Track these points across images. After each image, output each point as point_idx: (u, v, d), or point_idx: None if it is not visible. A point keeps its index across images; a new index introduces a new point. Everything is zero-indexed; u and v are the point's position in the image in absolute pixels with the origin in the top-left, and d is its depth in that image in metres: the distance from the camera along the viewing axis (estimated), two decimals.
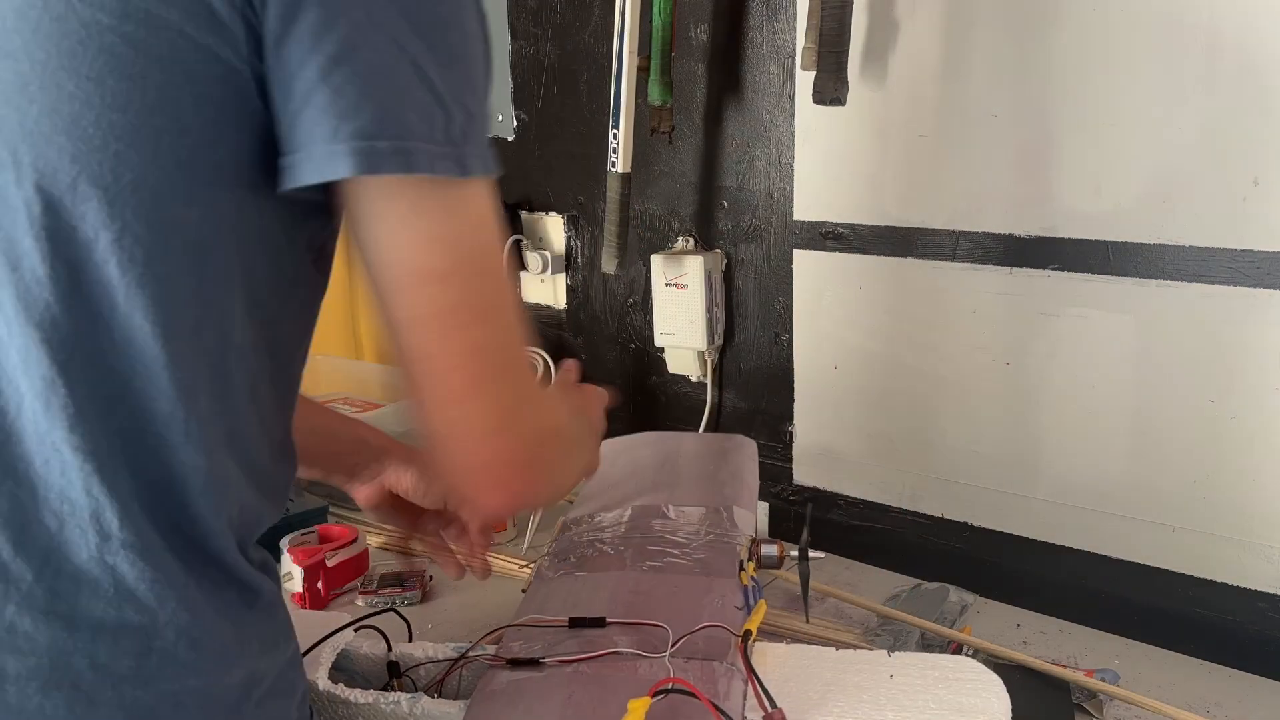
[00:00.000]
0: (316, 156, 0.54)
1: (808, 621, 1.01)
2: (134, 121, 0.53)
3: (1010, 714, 0.72)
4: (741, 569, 0.90)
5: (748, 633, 0.77)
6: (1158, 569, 1.10)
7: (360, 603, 1.17)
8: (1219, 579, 1.06)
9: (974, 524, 1.22)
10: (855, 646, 0.95)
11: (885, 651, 0.78)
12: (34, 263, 0.53)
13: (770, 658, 0.78)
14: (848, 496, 1.31)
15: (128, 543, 0.55)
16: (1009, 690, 0.95)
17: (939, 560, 1.24)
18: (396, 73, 0.55)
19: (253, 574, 0.61)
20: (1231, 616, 1.06)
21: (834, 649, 0.80)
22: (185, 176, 0.54)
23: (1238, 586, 1.05)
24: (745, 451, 1.15)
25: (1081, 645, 1.09)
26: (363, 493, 0.94)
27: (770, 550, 0.95)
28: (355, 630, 0.89)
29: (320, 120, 0.54)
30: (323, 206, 0.59)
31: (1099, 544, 1.13)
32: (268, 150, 0.56)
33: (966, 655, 0.98)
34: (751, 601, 0.85)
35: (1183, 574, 1.08)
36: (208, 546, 0.58)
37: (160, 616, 0.55)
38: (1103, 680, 0.98)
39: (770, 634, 0.97)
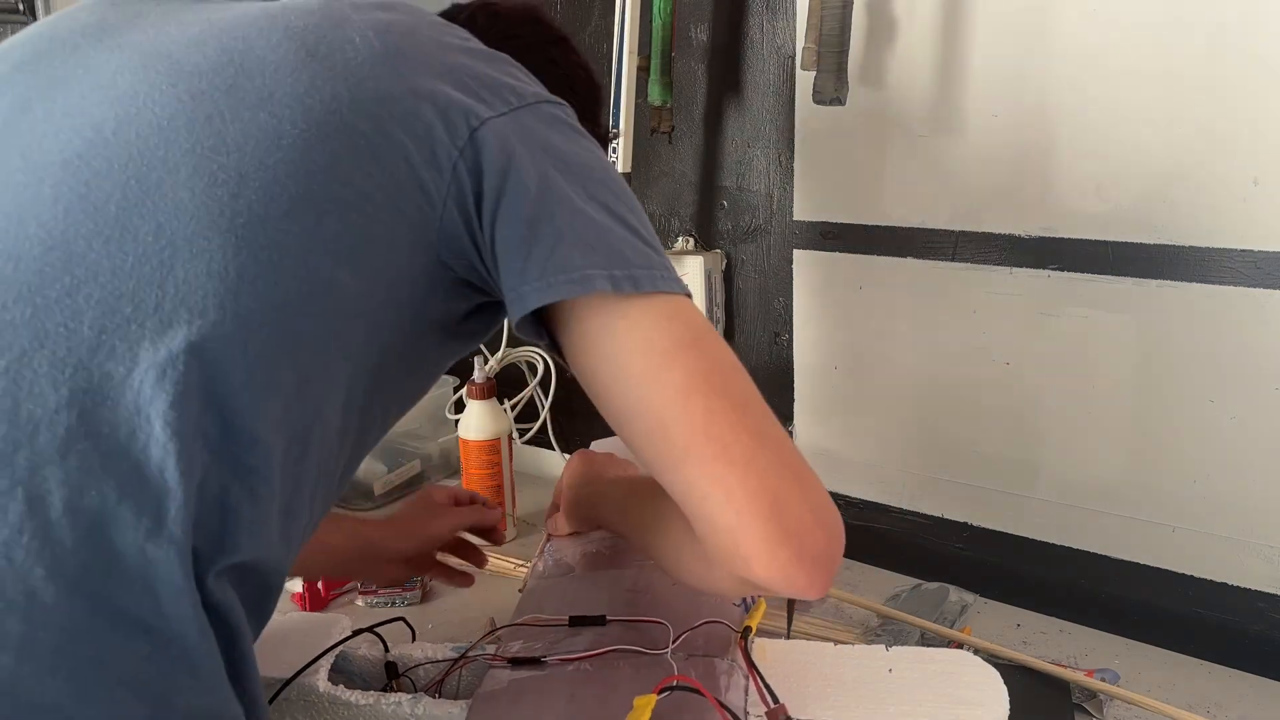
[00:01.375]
0: (554, 285, 0.63)
1: (789, 637, 1.01)
2: (347, 195, 0.61)
3: (1009, 707, 0.72)
4: None
5: (748, 629, 0.78)
6: (1158, 569, 1.10)
7: (360, 603, 1.17)
8: (1219, 579, 1.07)
9: (974, 524, 1.22)
10: (823, 628, 0.96)
11: (883, 646, 0.79)
12: (214, 258, 0.57)
13: (769, 653, 0.78)
14: (848, 496, 1.31)
15: (174, 540, 0.53)
16: (1009, 690, 0.96)
17: (939, 560, 1.24)
18: (609, 221, 0.66)
19: (230, 603, 0.59)
20: (1231, 616, 1.06)
21: (833, 644, 0.80)
22: (362, 252, 0.62)
23: (1238, 586, 1.05)
24: None
25: (1081, 645, 1.09)
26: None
27: None
28: (355, 634, 0.89)
29: (553, 258, 0.63)
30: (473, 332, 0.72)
31: (1099, 544, 1.14)
32: (427, 279, 0.66)
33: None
34: (750, 599, 0.85)
35: (1183, 574, 1.08)
36: (219, 583, 0.57)
37: (172, 628, 0.54)
38: (1103, 680, 0.98)
39: (768, 634, 0.97)
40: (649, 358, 0.63)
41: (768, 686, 0.71)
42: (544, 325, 0.66)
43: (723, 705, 0.68)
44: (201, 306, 0.56)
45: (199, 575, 0.55)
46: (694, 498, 0.62)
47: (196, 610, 0.55)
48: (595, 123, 0.93)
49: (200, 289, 0.56)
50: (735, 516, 0.60)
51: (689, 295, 0.68)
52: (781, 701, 0.70)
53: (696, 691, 0.69)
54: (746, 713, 0.71)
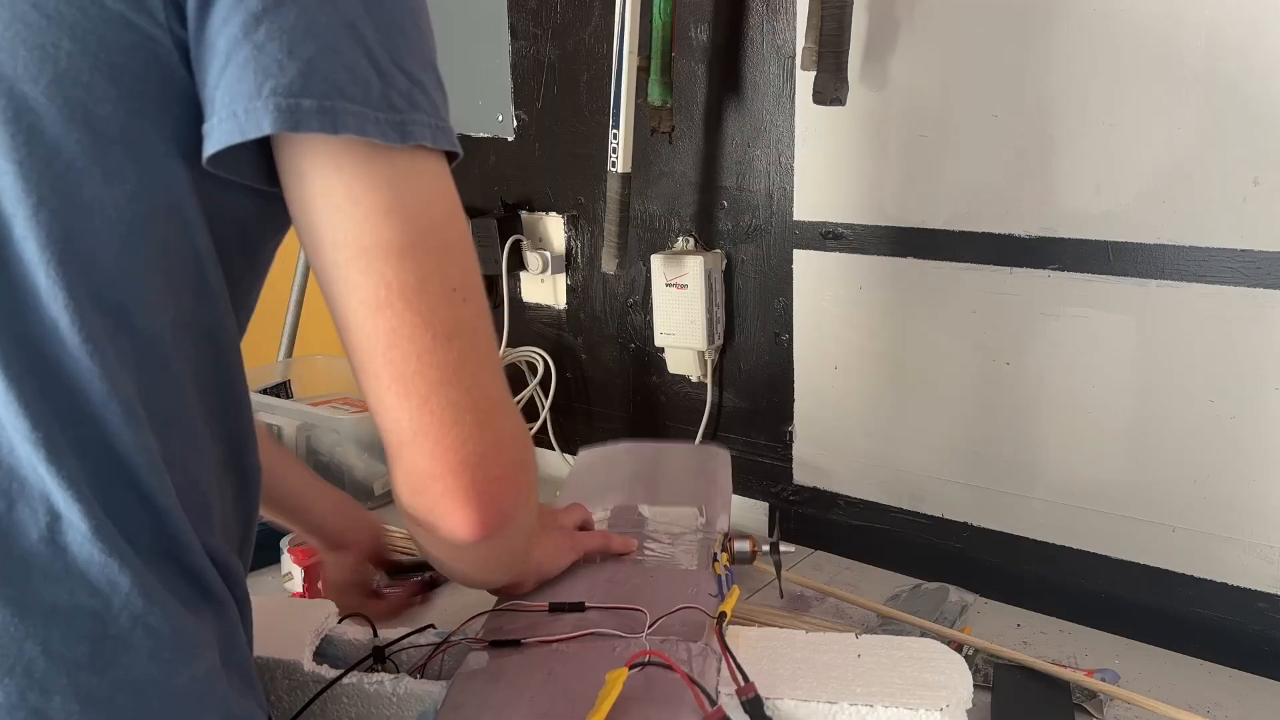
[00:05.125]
0: (238, 115, 0.51)
1: (781, 597, 1.11)
2: (46, 93, 0.51)
3: (972, 690, 0.74)
4: (715, 560, 0.92)
5: (723, 614, 0.80)
6: (1158, 569, 1.10)
7: None
8: (1219, 579, 1.06)
9: (974, 524, 1.22)
10: (825, 629, 0.98)
11: (854, 634, 0.81)
12: None
13: (743, 639, 0.80)
14: (848, 496, 1.31)
15: (78, 524, 0.53)
16: (1008, 690, 0.96)
17: (939, 560, 1.24)
18: (327, 31, 0.52)
19: (210, 572, 0.58)
20: (1231, 616, 1.06)
21: (804, 631, 0.82)
22: (102, 150, 0.52)
23: (1238, 586, 1.05)
24: (719, 459, 1.18)
25: (1081, 645, 1.09)
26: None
27: (743, 545, 0.98)
28: (340, 620, 0.91)
29: (242, 78, 0.51)
30: (261, 193, 0.57)
31: (1099, 544, 1.13)
32: (198, 126, 0.54)
33: (966, 653, 0.98)
34: (725, 589, 0.88)
35: (1183, 574, 1.08)
36: (162, 532, 0.56)
37: (114, 601, 0.53)
38: (1103, 680, 0.98)
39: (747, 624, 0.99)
40: (344, 250, 0.54)
41: (739, 667, 0.73)
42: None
43: (692, 680, 0.69)
44: None
45: (127, 534, 0.54)
46: (375, 414, 0.59)
47: (136, 573, 0.54)
48: None
49: None
50: (401, 444, 0.58)
51: (455, 153, 0.57)
52: (751, 681, 0.72)
53: (667, 667, 0.70)
54: (718, 691, 0.73)
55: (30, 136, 0.51)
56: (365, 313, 0.55)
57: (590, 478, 1.17)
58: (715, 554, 0.93)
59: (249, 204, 0.59)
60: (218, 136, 0.53)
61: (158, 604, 0.54)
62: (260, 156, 0.55)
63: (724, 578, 0.89)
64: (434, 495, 0.59)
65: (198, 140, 0.54)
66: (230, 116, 0.52)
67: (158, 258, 0.55)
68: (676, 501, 1.06)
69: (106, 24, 0.51)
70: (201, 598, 0.58)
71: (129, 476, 0.55)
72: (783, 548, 1.00)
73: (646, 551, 0.96)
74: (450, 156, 0.58)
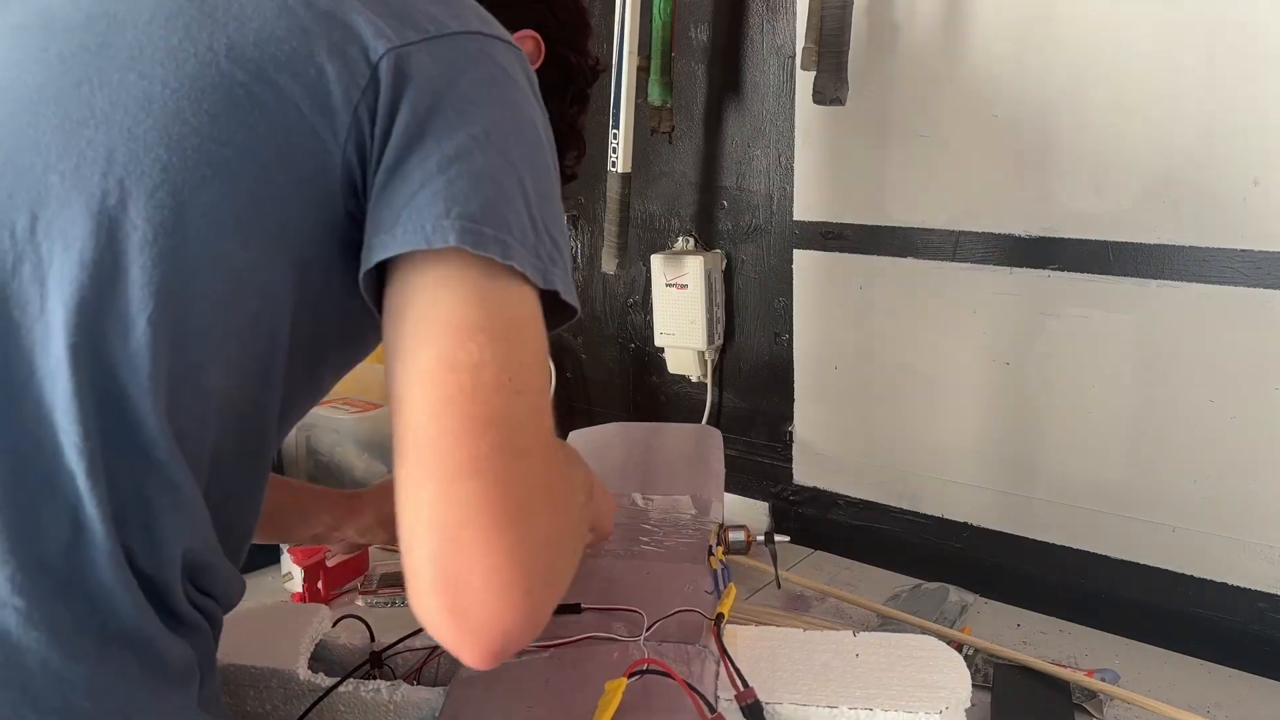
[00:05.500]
0: (425, 229, 0.55)
1: (779, 586, 1.11)
2: (228, 155, 0.55)
3: (970, 689, 0.74)
4: (710, 554, 0.92)
5: (720, 616, 0.79)
6: (1158, 569, 1.10)
7: (360, 602, 1.17)
8: (1219, 579, 1.06)
9: (974, 524, 1.22)
10: (823, 629, 0.98)
11: (851, 632, 0.81)
12: (86, 245, 0.53)
13: (741, 639, 0.80)
14: (848, 496, 1.31)
15: (97, 541, 0.53)
16: (1008, 690, 0.96)
17: (939, 560, 1.23)
18: (506, 181, 0.57)
19: (188, 608, 0.58)
20: (1231, 616, 1.06)
21: (801, 630, 0.82)
22: (251, 219, 0.56)
23: (1238, 586, 1.05)
24: (711, 441, 1.17)
25: (1081, 645, 1.09)
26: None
27: (738, 536, 0.98)
28: (335, 624, 0.90)
29: (433, 203, 0.55)
30: (353, 311, 0.60)
31: (1099, 544, 1.13)
32: (335, 239, 0.59)
33: (966, 653, 0.98)
34: (721, 585, 0.87)
35: (1183, 574, 1.08)
36: (161, 571, 0.56)
37: (110, 624, 0.53)
38: (1103, 680, 0.98)
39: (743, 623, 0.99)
40: (419, 325, 0.54)
41: (738, 671, 0.73)
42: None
43: (691, 687, 0.69)
44: (77, 300, 0.53)
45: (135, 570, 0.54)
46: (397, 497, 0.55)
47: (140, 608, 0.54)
48: (579, 50, 0.85)
49: (74, 281, 0.53)
50: (408, 539, 0.52)
51: (575, 310, 0.60)
52: (751, 685, 0.72)
53: (666, 674, 0.70)
54: (717, 697, 0.73)
55: (199, 186, 0.55)
56: (421, 382, 0.54)
57: None
58: (710, 547, 0.93)
59: (342, 318, 0.62)
60: (399, 244, 0.55)
61: (148, 629, 0.54)
62: (374, 283, 0.58)
63: (719, 573, 0.89)
64: (431, 612, 0.52)
65: (328, 253, 0.59)
66: (417, 230, 0.55)
67: (244, 324, 0.57)
68: (670, 488, 1.05)
69: (299, 127, 0.57)
70: (182, 630, 0.58)
71: (149, 518, 0.55)
72: (778, 538, 1.00)
73: (642, 544, 0.95)
74: (569, 314, 0.61)
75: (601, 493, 0.88)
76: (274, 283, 0.58)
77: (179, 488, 0.56)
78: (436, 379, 0.53)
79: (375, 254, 0.56)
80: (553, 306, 0.59)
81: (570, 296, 0.60)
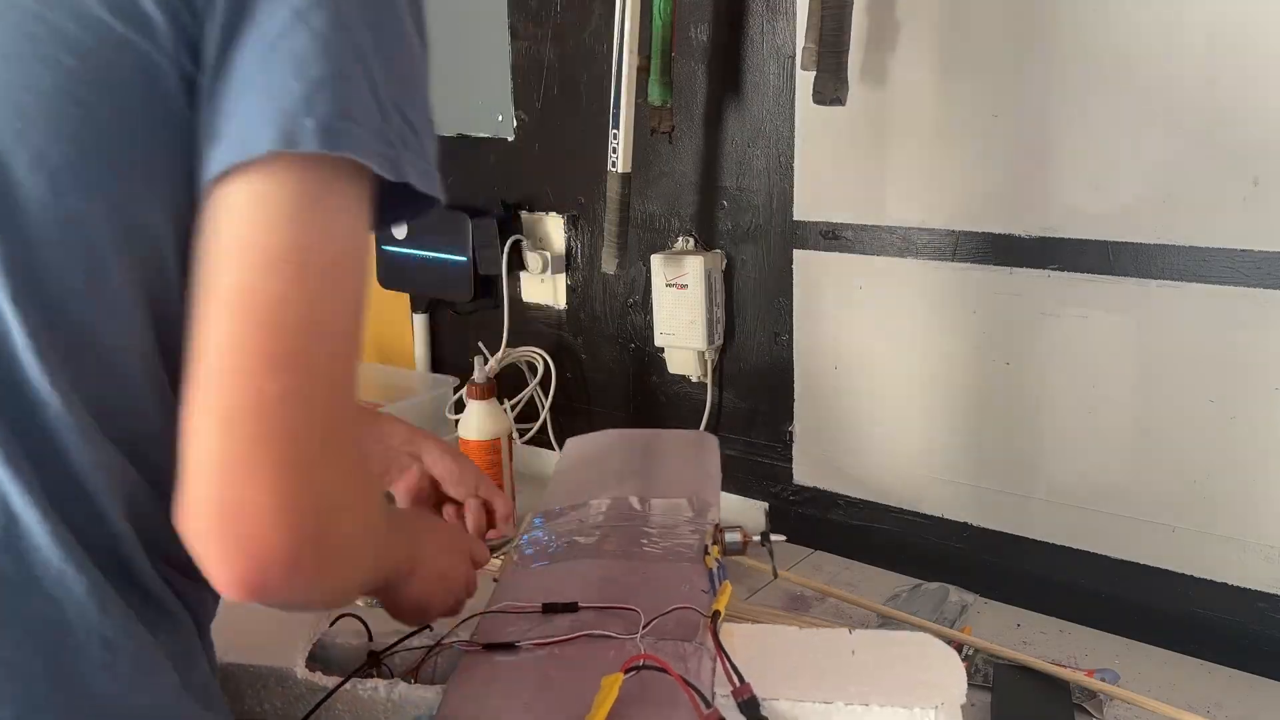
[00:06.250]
0: (241, 135, 0.50)
1: (775, 576, 1.11)
2: (41, 102, 0.51)
3: (966, 685, 0.74)
4: (706, 553, 0.92)
5: (716, 613, 0.80)
6: (1158, 569, 1.10)
7: (360, 602, 1.16)
8: (1219, 579, 1.06)
9: (974, 524, 1.22)
10: (818, 625, 0.98)
11: (847, 630, 0.81)
12: None
13: (737, 637, 0.80)
14: (848, 496, 1.31)
15: (33, 528, 0.51)
16: (1008, 690, 0.96)
17: (939, 560, 1.23)
18: (340, 54, 0.51)
19: (162, 589, 0.57)
20: (1231, 616, 1.06)
21: (798, 628, 0.82)
22: (88, 164, 0.52)
23: (1238, 586, 1.05)
24: (707, 446, 1.18)
25: (1081, 645, 1.09)
26: (401, 486, 0.93)
27: (733, 536, 0.98)
28: (332, 623, 0.90)
29: (255, 102, 0.50)
30: None
31: (1099, 544, 1.13)
32: (194, 159, 0.53)
33: (966, 653, 0.98)
34: (717, 584, 0.88)
35: (1183, 574, 1.08)
36: (117, 547, 0.54)
37: (69, 609, 0.51)
38: (1103, 680, 0.98)
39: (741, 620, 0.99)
40: (234, 247, 0.50)
41: (734, 667, 0.73)
42: None
43: (687, 682, 0.69)
44: None
45: (84, 543, 0.53)
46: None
47: (92, 583, 0.53)
48: None
49: None
50: (186, 462, 0.51)
51: (436, 199, 0.55)
52: (747, 681, 0.72)
53: (662, 670, 0.70)
54: (713, 693, 0.73)
55: (16, 141, 0.51)
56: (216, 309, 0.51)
57: (580, 469, 1.16)
58: (706, 546, 0.93)
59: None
60: (219, 161, 0.52)
61: (113, 617, 0.53)
62: None
63: (716, 572, 0.90)
64: (194, 531, 0.51)
65: (190, 174, 0.54)
66: (235, 141, 0.51)
67: (127, 276, 0.54)
68: (667, 492, 1.06)
69: (112, 45, 0.51)
70: (158, 615, 0.57)
71: (82, 488, 0.53)
72: (774, 537, 1.01)
73: (640, 546, 0.95)
74: (431, 201, 0.57)
75: (458, 533, 0.88)
76: (148, 225, 0.53)
77: (106, 455, 0.53)
78: (235, 310, 0.50)
79: (203, 176, 0.51)
80: (412, 195, 0.55)
81: (429, 187, 0.54)
